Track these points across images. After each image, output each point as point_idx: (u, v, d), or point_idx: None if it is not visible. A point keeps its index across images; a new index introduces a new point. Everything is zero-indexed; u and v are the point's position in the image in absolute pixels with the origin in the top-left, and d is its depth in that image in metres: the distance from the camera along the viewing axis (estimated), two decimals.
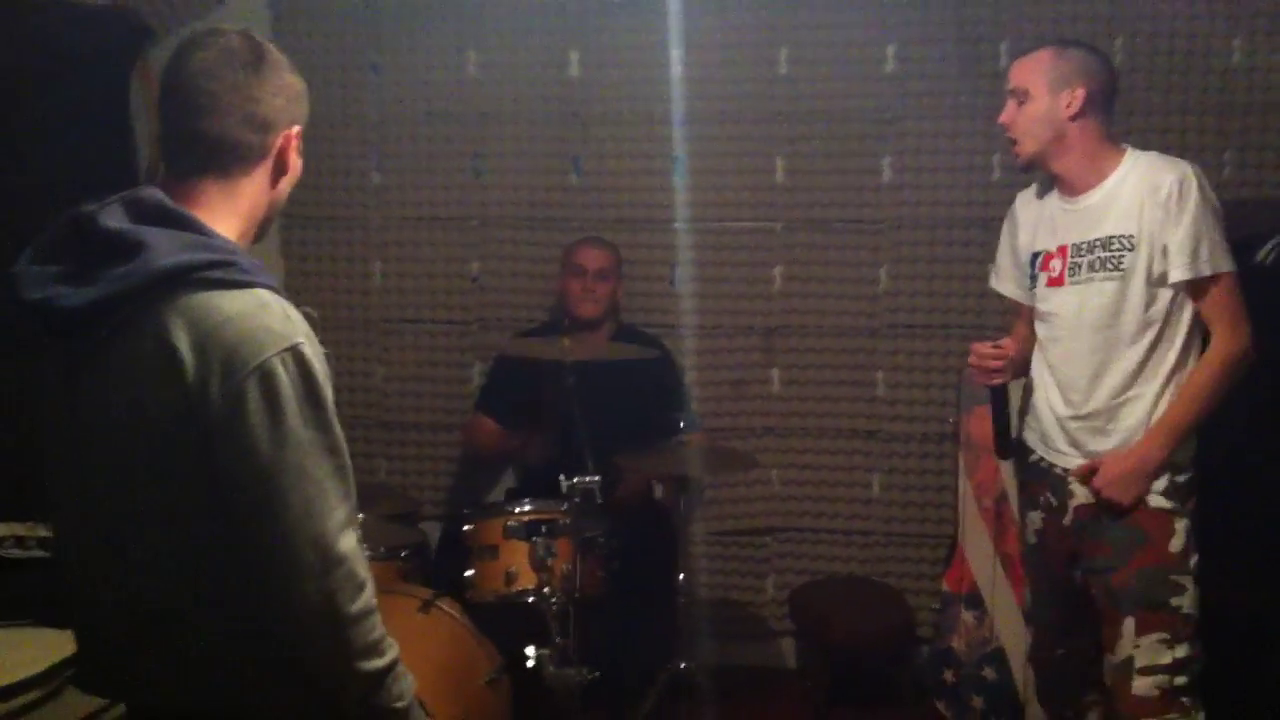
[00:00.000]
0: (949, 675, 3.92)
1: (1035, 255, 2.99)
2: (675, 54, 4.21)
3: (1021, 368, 3.10)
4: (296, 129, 1.83)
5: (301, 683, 1.71)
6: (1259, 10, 3.96)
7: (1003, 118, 2.93)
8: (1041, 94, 2.84)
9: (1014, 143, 2.91)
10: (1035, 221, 3.02)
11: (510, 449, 4.10)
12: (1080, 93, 2.82)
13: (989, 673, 3.84)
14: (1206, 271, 2.72)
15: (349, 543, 1.68)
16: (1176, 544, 2.76)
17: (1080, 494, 2.89)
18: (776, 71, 4.23)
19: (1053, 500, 2.96)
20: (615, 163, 4.33)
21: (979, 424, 4.02)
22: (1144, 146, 2.88)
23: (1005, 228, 3.15)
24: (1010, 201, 4.09)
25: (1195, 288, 2.75)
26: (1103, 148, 2.86)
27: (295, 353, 1.65)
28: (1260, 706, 3.16)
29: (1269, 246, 3.50)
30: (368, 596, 1.69)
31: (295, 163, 1.85)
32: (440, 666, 2.99)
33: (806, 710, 4.09)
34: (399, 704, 1.75)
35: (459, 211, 4.40)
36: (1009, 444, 3.08)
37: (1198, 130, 4.04)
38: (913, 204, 4.22)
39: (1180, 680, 2.71)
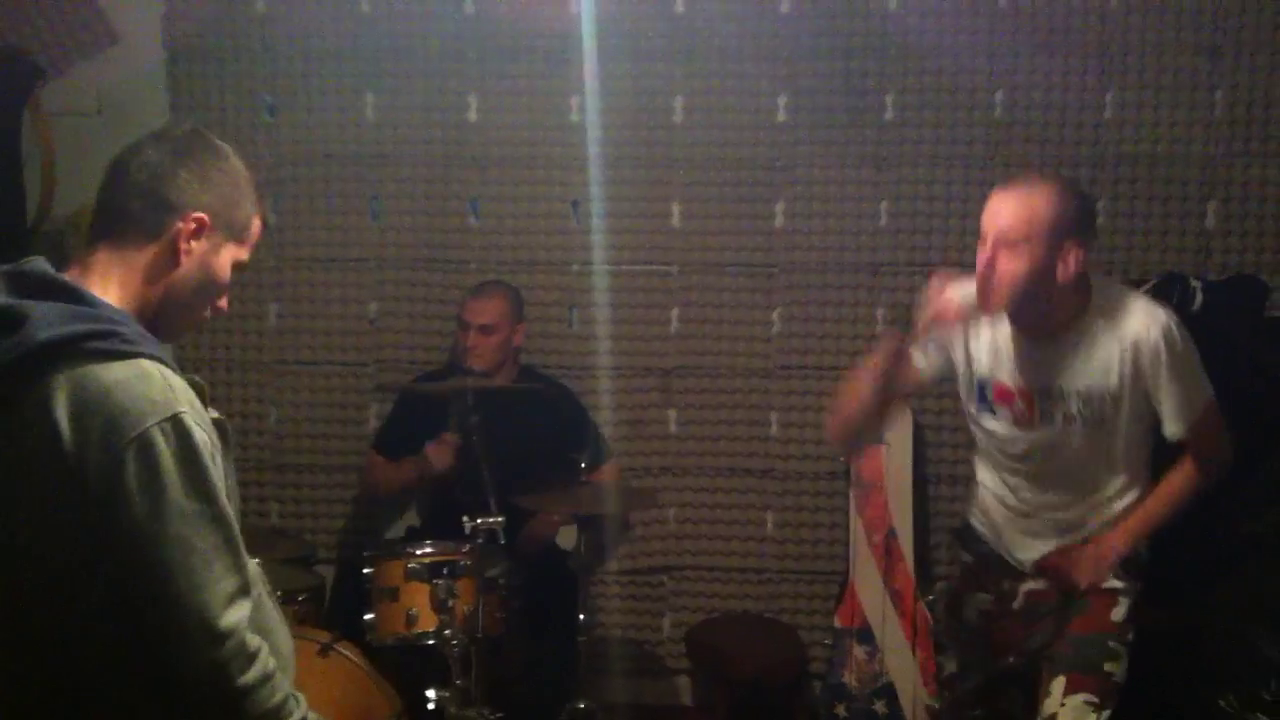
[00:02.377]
0: (841, 709, 4.01)
1: (985, 382, 2.83)
2: (573, 100, 4.28)
3: (875, 424, 3.00)
4: (201, 217, 1.77)
5: None
6: (1129, 66, 4.17)
7: (984, 259, 2.62)
8: (1040, 246, 2.58)
9: (984, 282, 2.62)
10: (984, 341, 2.82)
11: (407, 480, 4.05)
12: (1081, 254, 2.62)
13: (880, 706, 3.94)
14: (1199, 414, 2.68)
15: (238, 613, 1.66)
16: (1118, 615, 2.78)
17: (1034, 581, 2.89)
18: (672, 119, 4.32)
19: (1004, 586, 2.94)
20: (513, 205, 4.37)
21: (869, 462, 4.15)
22: None
23: (933, 307, 2.73)
24: (898, 248, 4.28)
25: (1185, 431, 2.70)
26: (1072, 293, 2.68)
27: (176, 422, 1.63)
28: None
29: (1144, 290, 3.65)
30: (261, 666, 1.68)
31: (193, 254, 1.78)
32: (340, 711, 2.98)
33: None
34: None
35: (356, 253, 4.40)
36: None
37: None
38: (804, 249, 4.33)
39: None
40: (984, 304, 2.65)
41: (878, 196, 4.30)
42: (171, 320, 1.81)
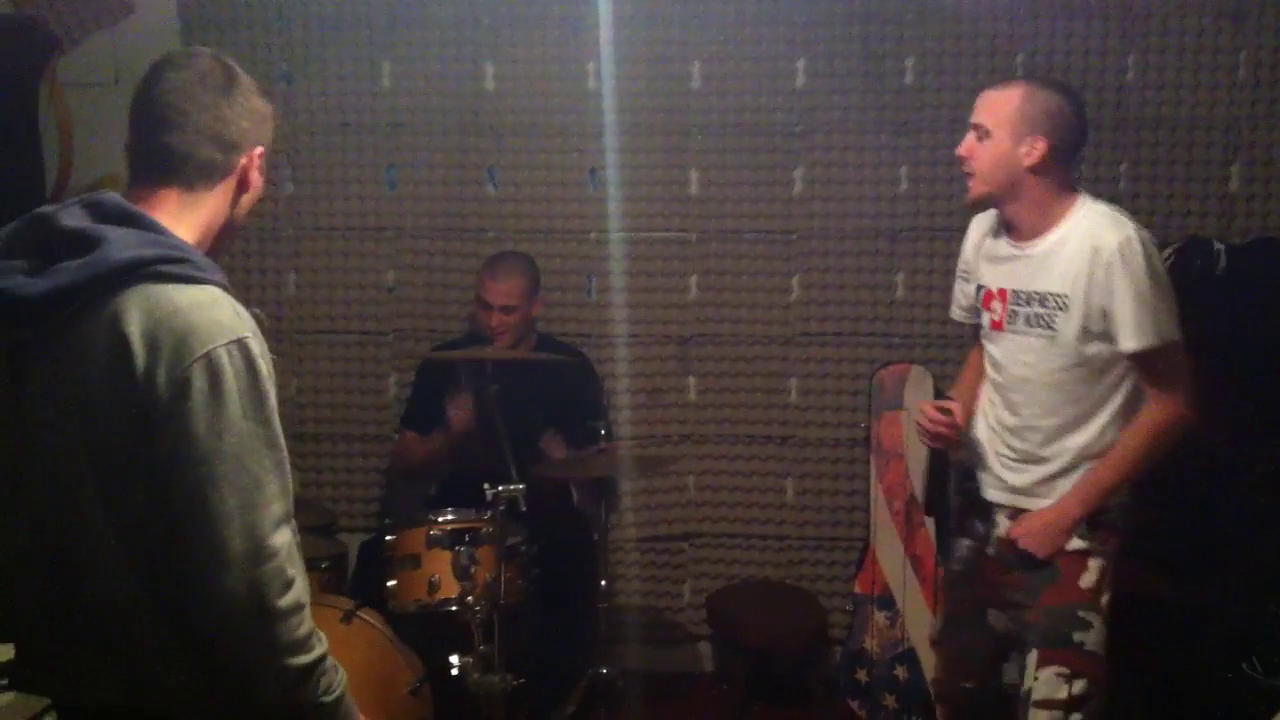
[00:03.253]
0: (862, 675, 4.02)
1: (980, 289, 2.96)
2: (590, 67, 4.26)
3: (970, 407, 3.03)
4: (260, 150, 1.91)
5: (234, 679, 1.73)
6: (1151, 29, 4.13)
7: (961, 150, 2.84)
8: (1003, 137, 2.75)
9: (969, 175, 2.83)
10: (986, 254, 2.95)
11: (439, 451, 4.03)
12: (1042, 145, 2.73)
13: (901, 672, 3.95)
14: (1155, 343, 2.66)
15: (283, 537, 1.71)
16: (1087, 580, 2.75)
17: (1004, 526, 2.88)
18: (690, 85, 4.30)
19: (979, 528, 2.96)
20: (531, 174, 4.36)
21: (889, 429, 4.14)
22: None
23: (963, 253, 3.07)
24: (918, 213, 4.26)
25: (1136, 356, 2.70)
26: (1056, 198, 2.78)
27: (242, 346, 1.71)
28: None
29: (1167, 253, 3.64)
30: (297, 592, 1.73)
31: (257, 181, 1.93)
32: (362, 677, 2.96)
33: (723, 713, 4.17)
34: (327, 697, 1.78)
35: (374, 222, 4.40)
36: (941, 504, 3.01)
37: (1094, 144, 4.17)
38: (823, 215, 4.31)
39: (1075, 717, 2.71)
40: (968, 188, 2.83)
41: (897, 161, 4.27)
42: (224, 243, 1.95)
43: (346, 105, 4.37)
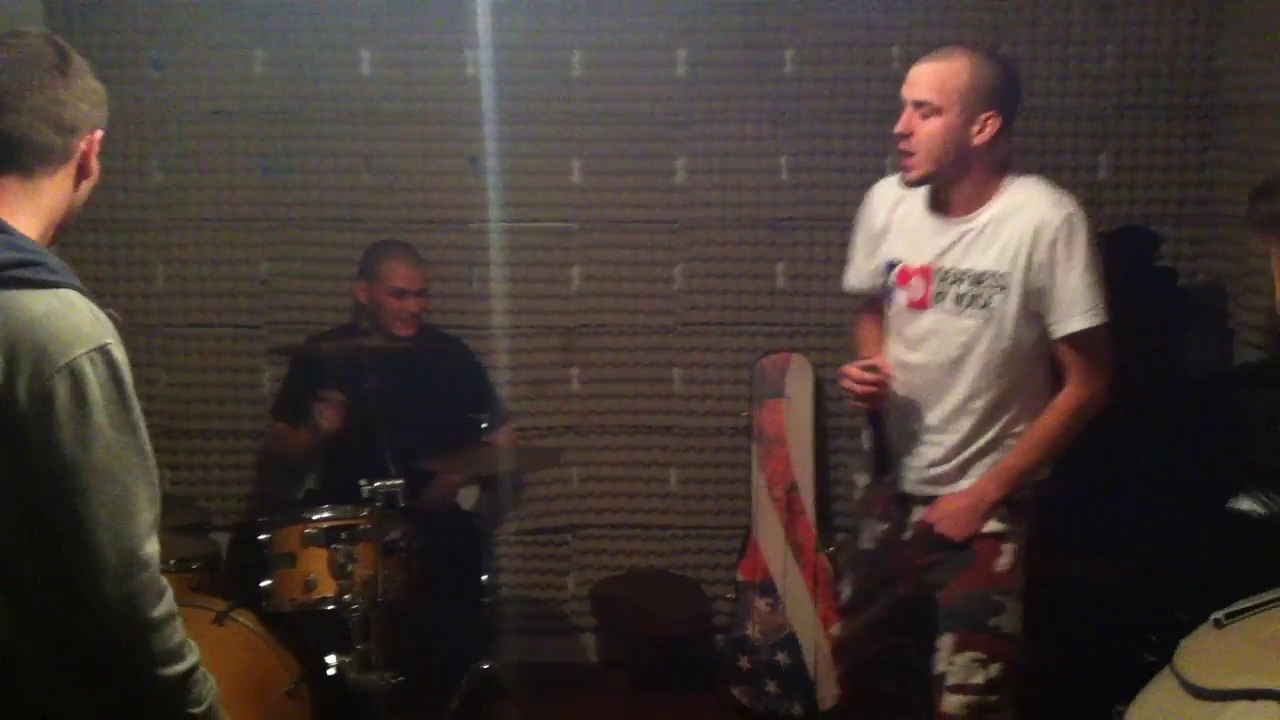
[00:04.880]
0: (745, 662, 4.04)
1: (893, 264, 2.82)
2: (469, 55, 4.20)
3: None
4: (99, 133, 1.83)
5: (111, 693, 1.70)
6: (1023, 20, 4.19)
7: (901, 127, 2.66)
8: (954, 114, 2.61)
9: (907, 154, 2.67)
10: (898, 224, 2.83)
11: (306, 444, 3.94)
12: (995, 121, 2.62)
13: (782, 657, 3.98)
14: (1096, 323, 2.64)
15: (154, 546, 1.68)
16: (1003, 563, 2.73)
17: (919, 511, 2.85)
18: (571, 74, 4.27)
19: (895, 512, 2.90)
20: (410, 162, 4.30)
21: (771, 417, 4.17)
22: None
23: (861, 220, 2.93)
24: (798, 203, 4.29)
25: (1067, 339, 2.66)
26: (994, 174, 2.69)
27: (104, 353, 1.66)
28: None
29: None
30: (169, 602, 1.70)
31: (96, 167, 1.85)
32: (237, 679, 2.93)
33: (609, 703, 4.16)
34: (197, 709, 1.75)
35: (247, 213, 4.30)
36: (888, 464, 2.87)
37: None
38: (706, 204, 4.32)
39: (991, 699, 2.69)
40: (907, 167, 2.68)
41: (778, 151, 4.29)
42: (63, 233, 1.85)
43: (218, 92, 4.25)
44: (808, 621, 3.95)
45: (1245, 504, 2.91)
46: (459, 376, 4.01)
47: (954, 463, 2.79)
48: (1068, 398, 2.71)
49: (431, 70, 4.25)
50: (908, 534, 2.89)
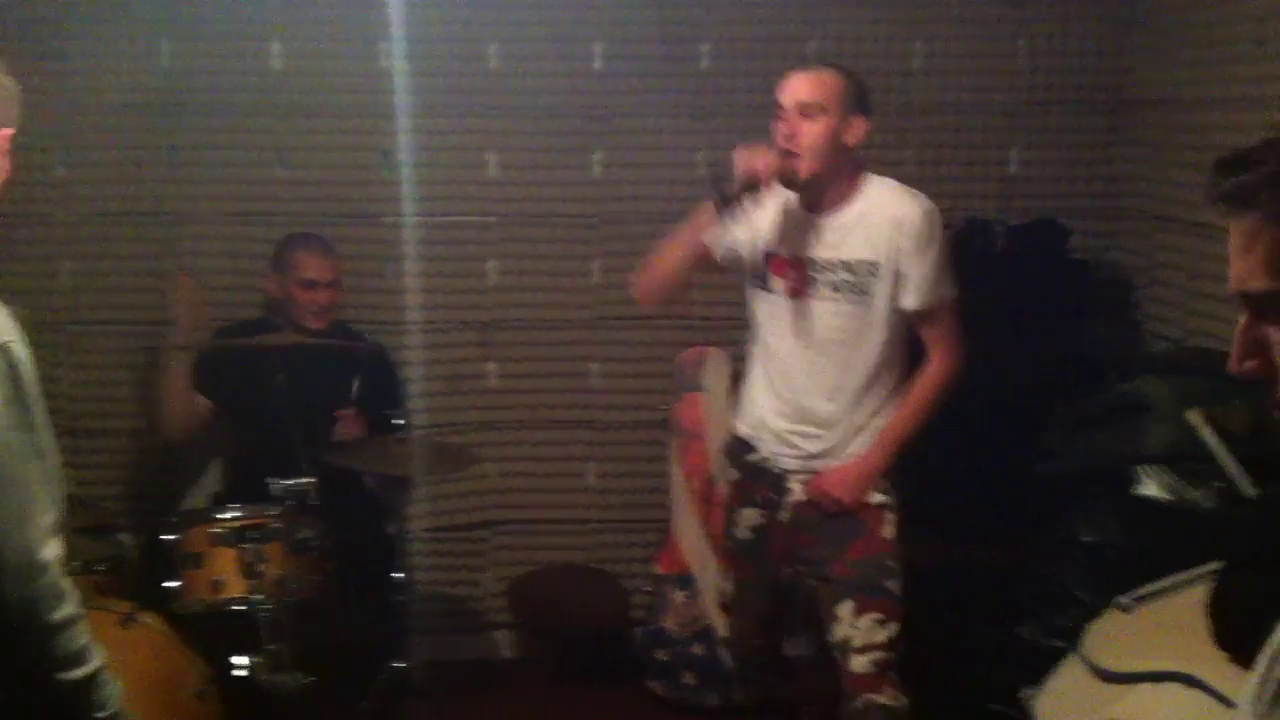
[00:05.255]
0: (662, 654, 4.03)
1: (768, 255, 3.00)
2: (382, 46, 4.15)
3: (664, 289, 3.17)
4: (9, 131, 1.77)
5: (11, 693, 1.66)
6: (936, 17, 4.24)
7: (787, 131, 2.85)
8: (833, 115, 2.85)
9: (793, 155, 2.84)
10: (770, 219, 2.99)
11: (201, 414, 3.86)
12: (862, 124, 2.89)
13: (699, 649, 3.98)
14: (947, 298, 2.92)
15: (55, 549, 1.64)
16: (888, 532, 2.96)
17: (798, 491, 3.01)
18: (487, 66, 4.24)
19: (772, 496, 3.06)
20: (322, 155, 4.23)
21: (688, 410, 4.17)
22: None
23: None
24: None
25: (924, 312, 2.92)
26: (856, 173, 2.93)
27: (5, 352, 1.61)
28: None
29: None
30: (71, 605, 1.66)
31: (6, 166, 1.79)
32: (145, 683, 2.87)
33: (527, 699, 4.13)
34: (101, 714, 1.71)
35: (155, 207, 4.20)
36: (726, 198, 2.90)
37: (882, 129, 4.23)
38: (623, 199, 4.31)
39: (892, 656, 2.90)
40: (788, 172, 2.85)
41: (695, 146, 4.28)
42: None
43: (124, 85, 4.15)
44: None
45: (1151, 489, 2.97)
46: (372, 373, 3.95)
47: (836, 440, 2.99)
48: (934, 370, 2.96)
49: (343, 62, 4.19)
50: (784, 515, 3.03)
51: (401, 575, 3.61)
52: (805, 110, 2.85)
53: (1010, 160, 4.31)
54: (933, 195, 4.11)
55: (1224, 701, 2.04)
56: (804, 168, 2.85)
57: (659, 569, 4.14)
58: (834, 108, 2.85)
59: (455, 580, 4.44)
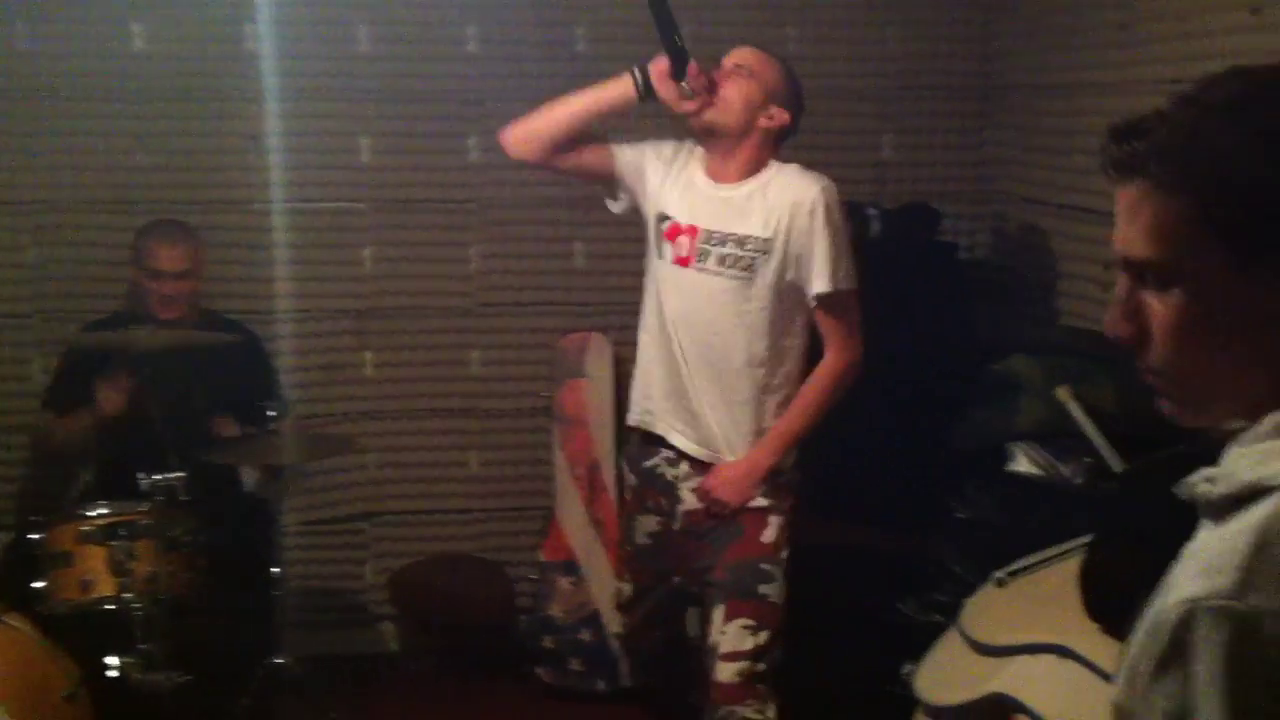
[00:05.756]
0: (548, 641, 4.03)
1: (664, 218, 2.96)
2: (248, 29, 4.04)
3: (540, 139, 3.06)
4: None
5: None
6: (808, 3, 4.27)
7: (716, 75, 2.87)
8: (759, 87, 2.87)
9: (707, 105, 2.85)
10: (677, 182, 2.98)
11: (81, 429, 3.71)
12: (783, 117, 2.90)
13: (585, 635, 3.99)
14: (844, 286, 2.85)
15: None
16: (769, 536, 2.90)
17: (689, 500, 2.98)
18: (357, 49, 4.15)
19: (664, 504, 3.04)
20: (187, 141, 4.10)
21: (571, 396, 4.16)
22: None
23: (661, 150, 3.04)
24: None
25: (822, 301, 2.86)
26: (761, 157, 2.92)
27: None
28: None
29: None
30: None
31: None
32: (10, 686, 2.78)
33: (411, 692, 4.09)
34: None
35: (12, 196, 4.02)
36: (679, 50, 2.90)
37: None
38: (501, 183, 4.26)
39: (760, 667, 2.83)
40: (702, 111, 2.86)
41: None
42: None
43: None
44: (610, 598, 3.95)
45: (1023, 466, 3.04)
46: (244, 364, 3.85)
47: (723, 431, 2.94)
48: (830, 364, 2.91)
49: (208, 45, 4.06)
50: (677, 523, 3.01)
51: (278, 570, 3.53)
52: (737, 71, 2.89)
53: (883, 145, 4.38)
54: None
55: (1097, 671, 2.10)
56: (713, 120, 2.86)
57: (544, 556, 4.12)
58: (765, 80, 2.89)
59: (336, 574, 4.37)
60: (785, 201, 2.84)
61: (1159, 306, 1.11)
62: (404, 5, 4.15)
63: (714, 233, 2.87)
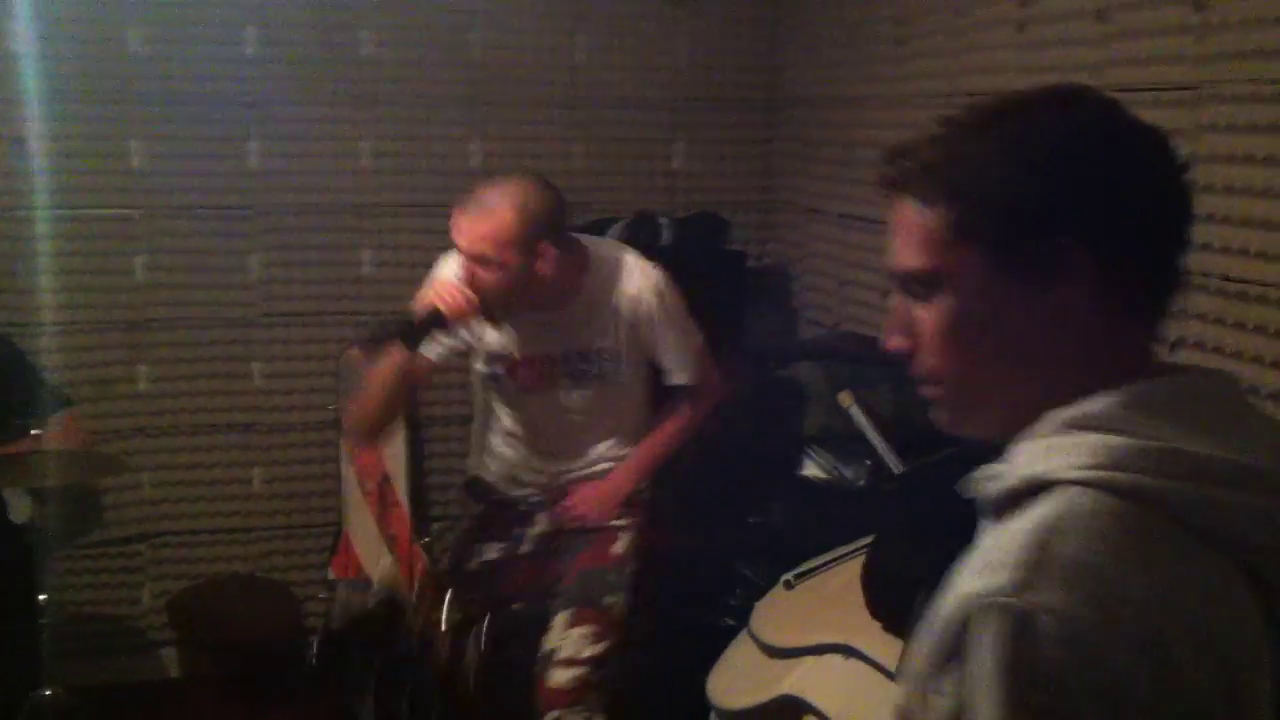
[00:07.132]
0: (339, 661, 3.91)
1: (495, 355, 2.98)
2: (7, 26, 3.79)
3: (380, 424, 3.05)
4: None
5: None
6: (598, 12, 4.28)
7: (465, 276, 2.74)
8: (512, 260, 2.72)
9: (483, 313, 2.78)
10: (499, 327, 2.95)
11: None
12: (550, 250, 2.76)
13: None
14: (701, 374, 2.99)
15: None
16: (619, 548, 2.97)
17: (541, 523, 3.03)
18: (127, 50, 3.96)
19: (514, 532, 3.07)
20: None
21: None
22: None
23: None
24: (382, 188, 4.18)
25: (687, 382, 3.00)
26: (570, 264, 2.84)
27: None
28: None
29: (617, 227, 3.81)
30: None
31: None
32: None
33: (195, 718, 3.92)
34: None
35: None
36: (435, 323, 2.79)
37: (549, 122, 4.26)
38: (282, 190, 4.13)
39: (596, 676, 2.80)
40: (476, 314, 2.78)
41: (358, 135, 4.17)
42: None
43: None
44: (404, 612, 3.87)
45: (811, 469, 3.11)
46: (3, 378, 3.61)
47: (583, 471, 3.08)
48: (686, 414, 3.06)
49: None
50: (526, 547, 3.05)
51: (44, 595, 3.33)
52: (477, 260, 2.74)
53: (673, 155, 4.42)
54: (601, 189, 4.26)
55: (880, 669, 2.14)
56: (491, 312, 2.80)
57: (333, 573, 4.01)
58: (508, 254, 2.72)
59: (110, 599, 4.15)
60: (618, 305, 2.89)
61: (927, 315, 1.16)
62: (176, 5, 3.97)
63: (555, 356, 2.92)
